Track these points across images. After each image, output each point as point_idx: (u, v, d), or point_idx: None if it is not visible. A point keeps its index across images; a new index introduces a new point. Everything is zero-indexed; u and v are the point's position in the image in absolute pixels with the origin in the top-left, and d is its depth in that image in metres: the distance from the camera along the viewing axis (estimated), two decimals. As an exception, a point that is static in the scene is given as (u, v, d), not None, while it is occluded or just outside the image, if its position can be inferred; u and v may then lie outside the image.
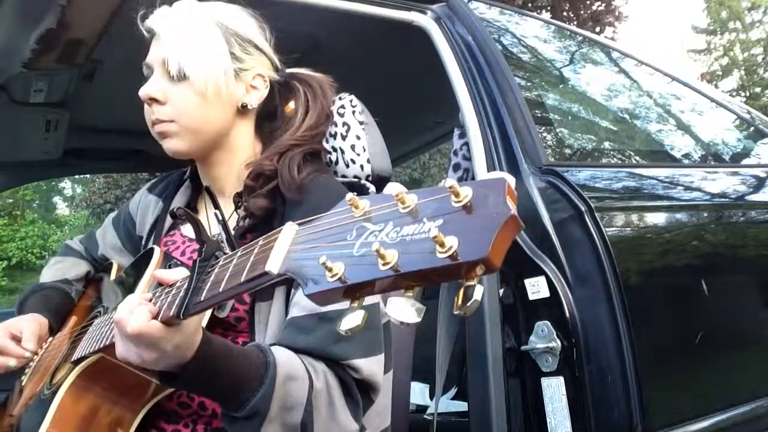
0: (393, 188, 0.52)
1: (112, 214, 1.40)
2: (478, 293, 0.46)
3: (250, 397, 0.81)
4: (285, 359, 0.86)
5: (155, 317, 0.74)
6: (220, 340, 0.82)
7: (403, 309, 0.48)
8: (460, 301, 0.47)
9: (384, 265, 0.48)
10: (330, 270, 0.50)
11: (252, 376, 0.82)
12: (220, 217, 0.85)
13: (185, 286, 0.72)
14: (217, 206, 0.90)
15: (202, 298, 0.68)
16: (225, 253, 0.72)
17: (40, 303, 1.26)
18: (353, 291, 0.51)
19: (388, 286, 0.50)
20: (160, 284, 0.80)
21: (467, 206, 0.47)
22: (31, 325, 1.18)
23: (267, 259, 0.58)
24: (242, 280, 0.62)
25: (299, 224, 0.60)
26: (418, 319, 0.48)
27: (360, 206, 0.53)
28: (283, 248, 0.58)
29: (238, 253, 0.67)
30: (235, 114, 1.10)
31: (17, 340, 1.16)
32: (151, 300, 0.78)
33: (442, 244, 0.45)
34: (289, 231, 0.59)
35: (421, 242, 0.47)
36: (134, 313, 0.74)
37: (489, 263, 0.45)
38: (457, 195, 0.48)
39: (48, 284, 1.31)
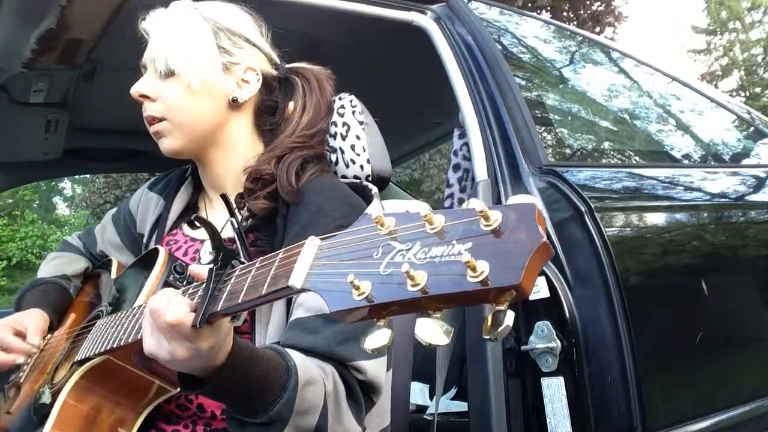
0: (420, 208, 0.51)
1: (112, 211, 1.40)
2: (509, 319, 0.46)
3: (274, 403, 0.79)
4: (301, 362, 0.84)
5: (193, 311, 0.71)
6: (245, 344, 0.79)
7: (433, 331, 0.48)
8: (489, 325, 0.47)
9: (413, 286, 0.47)
10: (357, 288, 0.50)
11: (276, 382, 0.80)
12: (236, 225, 0.83)
13: (200, 294, 0.70)
14: (232, 214, 0.88)
15: (218, 308, 0.67)
16: (241, 262, 0.70)
17: (39, 298, 1.25)
18: (379, 310, 0.50)
19: (415, 307, 0.49)
20: (166, 285, 0.79)
21: (496, 230, 0.47)
22: (34, 320, 1.18)
23: (290, 273, 0.57)
24: (263, 292, 0.62)
25: (321, 239, 0.59)
26: (448, 341, 0.48)
27: (386, 224, 0.53)
28: (306, 263, 0.57)
29: (257, 265, 0.66)
30: (227, 108, 1.09)
31: (22, 336, 1.15)
32: None
33: (473, 269, 0.45)
34: (311, 245, 0.59)
35: (451, 265, 0.47)
36: (172, 303, 0.70)
37: (521, 290, 0.44)
38: (486, 218, 0.47)
39: (46, 279, 1.30)
